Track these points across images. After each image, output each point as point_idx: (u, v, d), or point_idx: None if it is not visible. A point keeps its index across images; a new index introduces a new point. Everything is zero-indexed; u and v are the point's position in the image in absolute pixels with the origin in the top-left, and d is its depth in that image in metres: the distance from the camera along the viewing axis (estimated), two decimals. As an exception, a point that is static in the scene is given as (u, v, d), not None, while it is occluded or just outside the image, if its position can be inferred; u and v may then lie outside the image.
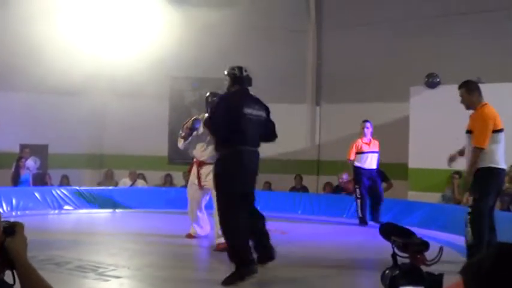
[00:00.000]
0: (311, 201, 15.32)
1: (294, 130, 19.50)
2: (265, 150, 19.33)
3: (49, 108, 18.56)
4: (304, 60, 19.92)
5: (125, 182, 17.95)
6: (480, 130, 8.36)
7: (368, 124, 13.73)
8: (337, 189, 16.47)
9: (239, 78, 7.97)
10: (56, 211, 14.79)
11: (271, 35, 19.30)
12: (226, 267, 7.52)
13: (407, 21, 17.80)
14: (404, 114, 15.96)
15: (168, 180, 19.12)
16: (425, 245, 5.35)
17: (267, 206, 15.29)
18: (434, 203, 13.93)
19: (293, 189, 17.81)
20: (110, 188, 16.70)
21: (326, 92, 19.86)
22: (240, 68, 8.08)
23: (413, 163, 15.24)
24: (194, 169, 10.58)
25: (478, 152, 8.32)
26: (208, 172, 9.91)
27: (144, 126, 19.05)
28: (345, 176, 16.21)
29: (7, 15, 16.77)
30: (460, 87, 8.68)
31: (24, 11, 16.81)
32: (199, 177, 10.38)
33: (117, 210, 15.02)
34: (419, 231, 11.66)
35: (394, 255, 5.41)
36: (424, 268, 5.57)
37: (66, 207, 15.02)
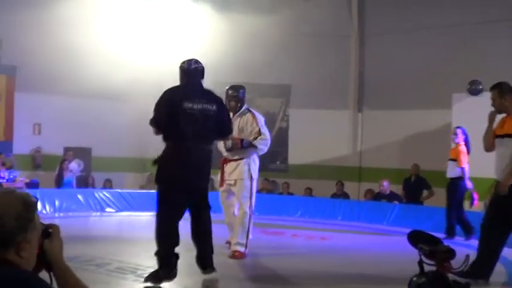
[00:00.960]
0: (351, 208, 15.28)
1: (335, 136, 19.53)
2: (307, 156, 19.59)
3: (93, 112, 18.77)
4: (347, 66, 19.89)
5: (166, 186, 18.00)
6: None
7: (457, 130, 12.79)
8: (378, 197, 16.41)
9: (187, 71, 7.64)
10: (98, 213, 14.97)
11: (314, 41, 19.31)
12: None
13: (450, 28, 17.65)
14: (447, 121, 15.84)
15: (209, 185, 19.18)
16: (451, 253, 5.31)
17: (307, 211, 15.36)
18: (475, 211, 13.79)
19: (334, 195, 17.77)
20: (152, 191, 16.80)
21: (368, 98, 19.82)
22: (190, 61, 7.72)
23: (455, 171, 15.13)
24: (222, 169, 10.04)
25: None
26: (232, 170, 9.56)
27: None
28: (386, 184, 16.13)
29: (51, 20, 17.01)
30: (491, 89, 8.10)
31: (69, 15, 17.06)
32: (222, 175, 9.79)
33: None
34: (459, 240, 11.68)
35: (420, 263, 5.39)
36: (451, 276, 5.54)
37: (108, 209, 15.19)
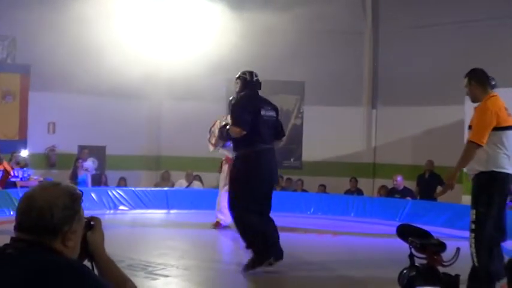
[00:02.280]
0: (364, 204, 15.25)
1: (350, 133, 19.52)
2: (321, 153, 19.60)
3: (108, 110, 18.84)
4: (361, 63, 19.86)
5: (181, 183, 18.09)
6: (478, 124, 7.03)
7: None
8: (392, 192, 16.37)
9: (249, 83, 8.38)
10: (112, 211, 15.03)
11: (328, 38, 19.29)
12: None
13: (464, 25, 17.58)
14: (461, 117, 15.78)
15: (224, 182, 19.22)
16: (442, 246, 5.32)
17: (320, 207, 15.34)
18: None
19: (348, 191, 17.77)
20: (165, 189, 16.87)
21: (382, 95, 19.79)
22: (251, 73, 8.52)
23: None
24: (225, 167, 11.31)
25: (472, 147, 6.95)
26: None
27: (200, 128, 19.08)
28: (399, 179, 16.10)
29: (65, 18, 17.07)
30: (465, 77, 7.37)
31: (82, 14, 17.11)
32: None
33: (171, 211, 15.18)
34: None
35: (411, 256, 5.41)
36: (441, 269, 5.55)
37: (121, 207, 15.25)
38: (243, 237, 8.21)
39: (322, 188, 18.25)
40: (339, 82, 19.20)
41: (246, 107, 8.23)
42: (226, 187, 10.30)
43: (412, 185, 16.48)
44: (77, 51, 17.45)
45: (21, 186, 14.61)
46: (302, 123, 20.41)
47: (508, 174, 7.00)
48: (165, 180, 19.26)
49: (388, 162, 18.94)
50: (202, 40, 18.99)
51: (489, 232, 6.76)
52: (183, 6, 19.42)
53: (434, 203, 14.88)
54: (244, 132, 8.03)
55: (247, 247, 8.12)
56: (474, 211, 6.85)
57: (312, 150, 19.83)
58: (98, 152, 18.81)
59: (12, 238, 2.64)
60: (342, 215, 14.77)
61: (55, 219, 2.60)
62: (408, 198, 15.49)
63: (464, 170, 7.26)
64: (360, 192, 17.88)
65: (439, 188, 15.76)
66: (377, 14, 19.77)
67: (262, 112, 8.17)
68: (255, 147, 8.09)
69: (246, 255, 8.54)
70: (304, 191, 18.18)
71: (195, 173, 18.35)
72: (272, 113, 8.34)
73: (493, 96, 7.17)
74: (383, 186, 17.42)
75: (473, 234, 6.71)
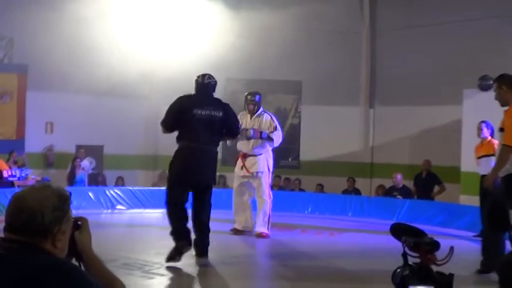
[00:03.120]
0: (362, 204, 15.27)
1: (347, 132, 19.54)
2: (319, 152, 19.60)
3: (105, 109, 18.83)
4: (358, 62, 19.86)
5: (178, 182, 18.06)
6: (510, 127, 7.34)
7: (481, 125, 12.13)
8: (391, 190, 16.36)
9: (199, 85, 8.93)
10: (109, 210, 15.03)
11: (325, 37, 19.31)
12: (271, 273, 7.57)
13: (462, 24, 17.58)
14: (458, 117, 15.79)
15: (221, 182, 19.18)
16: (435, 245, 5.31)
17: (317, 207, 15.36)
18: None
19: (345, 191, 17.77)
20: (163, 188, 16.82)
21: (380, 94, 19.79)
22: (204, 75, 9.02)
23: (465, 166, 15.00)
24: (239, 161, 11.61)
25: (507, 151, 7.21)
26: (253, 163, 11.31)
27: (198, 127, 19.18)
28: (399, 177, 16.10)
29: (62, 18, 17.06)
30: (494, 81, 7.89)
31: (81, 14, 17.10)
32: (245, 167, 11.41)
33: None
34: (469, 235, 11.68)
35: (404, 255, 5.42)
36: (435, 268, 5.55)
37: (119, 206, 15.25)
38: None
39: (320, 187, 18.26)
40: (336, 81, 19.22)
41: (173, 107, 8.73)
42: (240, 185, 11.67)
43: (409, 185, 16.49)
44: (74, 50, 17.47)
45: (19, 186, 14.57)
46: (299, 123, 20.41)
47: None
48: (163, 179, 19.23)
49: (385, 162, 18.94)
50: (200, 39, 19.01)
51: None
52: (181, 5, 19.42)
53: (431, 203, 14.94)
54: (166, 132, 8.79)
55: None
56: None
57: (310, 149, 19.83)
58: (95, 152, 18.82)
59: (1, 238, 2.66)
60: (340, 215, 14.78)
61: (45, 220, 2.63)
62: (399, 197, 15.50)
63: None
64: (357, 191, 17.88)
65: (436, 188, 15.85)
66: (374, 13, 19.77)
67: (196, 111, 8.50)
68: (181, 144, 8.60)
69: (244, 254, 8.56)
70: (301, 190, 18.19)
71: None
72: (210, 112, 8.60)
73: None
74: (380, 186, 17.44)
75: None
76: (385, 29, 19.60)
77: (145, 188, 16.61)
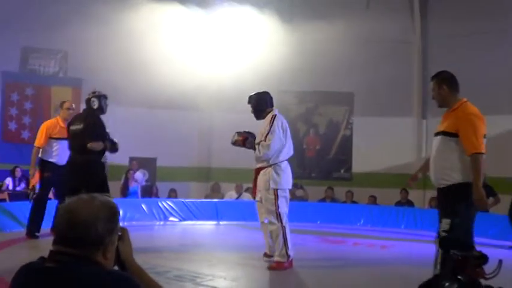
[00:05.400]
0: (414, 216, 15.14)
1: (400, 144, 19.37)
2: (371, 164, 19.47)
3: (158, 122, 19.00)
4: (410, 72, 19.73)
5: (231, 195, 18.14)
6: (471, 132, 6.69)
7: None
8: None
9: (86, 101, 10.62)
10: (162, 222, 15.15)
11: (377, 48, 19.24)
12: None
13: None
14: (512, 127, 15.59)
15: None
16: (484, 259, 5.21)
17: (370, 220, 15.26)
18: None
19: (398, 203, 17.62)
20: (215, 200, 16.94)
21: (432, 105, 19.49)
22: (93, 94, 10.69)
23: (522, 177, 14.84)
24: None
25: (478, 158, 6.55)
26: (259, 179, 9.40)
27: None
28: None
29: (115, 33, 17.33)
30: (432, 79, 7.18)
31: (134, 27, 17.34)
32: (255, 184, 9.66)
33: (221, 223, 15.26)
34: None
35: (452, 268, 5.33)
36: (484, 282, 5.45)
37: (171, 218, 15.36)
38: None
39: (373, 199, 18.13)
40: (388, 92, 19.11)
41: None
42: (260, 206, 9.46)
43: (462, 196, 16.26)
44: (127, 63, 17.68)
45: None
46: (351, 134, 20.35)
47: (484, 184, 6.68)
48: (215, 191, 19.34)
49: (439, 173, 18.72)
50: (253, 52, 19.10)
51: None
52: (234, 18, 19.54)
53: (486, 215, 14.69)
54: None
55: None
56: (449, 220, 6.56)
57: (362, 161, 19.73)
58: (148, 164, 18.97)
59: (51, 251, 2.69)
60: (392, 227, 14.67)
61: (99, 232, 2.67)
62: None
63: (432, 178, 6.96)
64: (410, 204, 17.71)
65: (490, 200, 15.60)
66: (425, 23, 19.64)
67: (71, 127, 10.36)
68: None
69: (298, 267, 8.55)
70: (354, 202, 18.09)
71: (245, 185, 18.37)
72: (77, 126, 10.26)
73: (467, 101, 7.02)
74: (434, 198, 17.23)
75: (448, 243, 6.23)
76: (436, 38, 19.44)
77: (198, 200, 16.70)
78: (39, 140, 11.65)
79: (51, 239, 2.77)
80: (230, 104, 19.23)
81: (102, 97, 10.79)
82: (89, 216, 2.66)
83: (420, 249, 12.12)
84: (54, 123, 11.83)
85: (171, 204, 15.67)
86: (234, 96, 18.72)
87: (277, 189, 9.13)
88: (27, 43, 18.30)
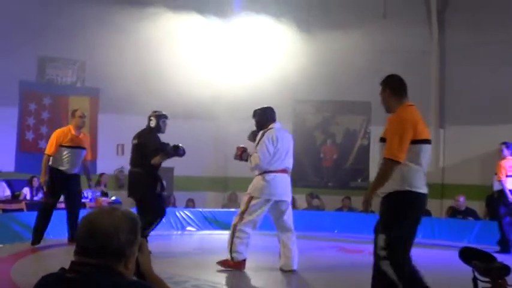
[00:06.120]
0: (431, 225, 15.07)
1: (417, 153, 19.27)
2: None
3: (175, 131, 18.93)
4: (428, 82, 19.65)
5: (247, 204, 18.10)
6: (393, 137, 6.36)
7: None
8: (453, 212, 16.13)
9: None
10: (179, 232, 15.16)
11: (394, 57, 19.15)
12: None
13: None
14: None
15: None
16: (506, 270, 5.18)
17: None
18: None
19: (415, 213, 17.51)
20: (232, 210, 16.91)
21: (450, 114, 19.53)
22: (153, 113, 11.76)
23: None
24: None
25: (389, 165, 6.30)
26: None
27: (268, 150, 19.23)
28: (462, 199, 15.86)
29: (132, 43, 17.45)
30: (381, 84, 6.92)
31: (151, 37, 17.42)
32: None
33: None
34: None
35: (475, 280, 5.28)
36: None
37: (188, 228, 15.38)
38: None
39: (390, 208, 18.04)
40: (405, 102, 19.05)
41: None
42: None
43: (480, 206, 16.20)
44: (144, 73, 17.77)
45: (90, 207, 14.79)
46: (369, 144, 20.28)
47: (424, 194, 6.48)
48: (232, 201, 19.32)
49: (456, 183, 18.65)
50: (270, 61, 19.13)
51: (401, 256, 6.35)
52: (251, 27, 19.58)
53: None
54: None
55: None
56: (384, 236, 6.39)
57: (379, 170, 19.66)
58: (165, 173, 18.95)
59: (72, 262, 2.70)
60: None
61: (121, 243, 2.68)
62: (470, 218, 15.25)
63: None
64: (427, 213, 17.62)
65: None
66: (443, 33, 19.58)
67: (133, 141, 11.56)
68: None
69: (319, 274, 8.51)
70: (371, 212, 17.98)
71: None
72: (134, 141, 11.58)
73: (409, 106, 6.70)
74: (451, 207, 17.18)
75: (387, 261, 6.32)
76: (454, 48, 19.37)
77: (215, 209, 16.70)
78: (50, 148, 11.68)
79: (67, 248, 2.79)
80: (247, 113, 19.11)
81: (161, 116, 11.69)
82: (110, 227, 2.68)
83: (438, 258, 12.09)
84: (66, 131, 11.82)
85: (189, 214, 15.71)
86: (251, 106, 18.55)
87: (252, 196, 9.54)
88: (45, 52, 18.41)
